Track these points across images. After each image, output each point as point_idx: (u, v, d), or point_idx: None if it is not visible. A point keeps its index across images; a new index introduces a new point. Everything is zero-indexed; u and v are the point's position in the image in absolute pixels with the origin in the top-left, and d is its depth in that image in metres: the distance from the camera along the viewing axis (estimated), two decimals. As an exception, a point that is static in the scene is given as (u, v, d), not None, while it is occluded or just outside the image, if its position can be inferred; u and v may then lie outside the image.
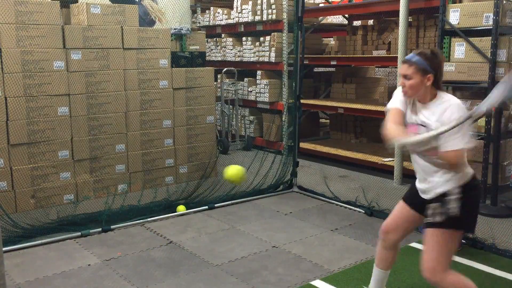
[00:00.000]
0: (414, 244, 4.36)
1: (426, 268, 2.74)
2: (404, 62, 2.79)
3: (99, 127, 5.66)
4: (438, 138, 2.57)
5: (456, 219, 2.69)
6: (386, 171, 6.61)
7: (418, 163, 2.86)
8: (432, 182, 2.79)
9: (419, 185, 2.92)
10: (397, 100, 2.88)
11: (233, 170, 3.50)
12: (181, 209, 5.21)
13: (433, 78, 2.71)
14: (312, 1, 9.50)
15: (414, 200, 2.99)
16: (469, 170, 2.79)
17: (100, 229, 4.67)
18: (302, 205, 5.53)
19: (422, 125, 2.75)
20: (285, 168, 6.08)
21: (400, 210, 3.07)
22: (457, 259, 4.07)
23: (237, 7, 8.61)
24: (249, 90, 8.59)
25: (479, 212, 5.11)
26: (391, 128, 2.73)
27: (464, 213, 2.70)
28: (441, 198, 2.73)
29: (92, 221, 4.79)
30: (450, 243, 2.74)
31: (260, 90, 8.36)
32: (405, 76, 2.75)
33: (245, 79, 8.68)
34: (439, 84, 2.78)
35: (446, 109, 2.68)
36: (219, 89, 8.51)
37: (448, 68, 5.65)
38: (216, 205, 5.39)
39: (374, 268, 3.25)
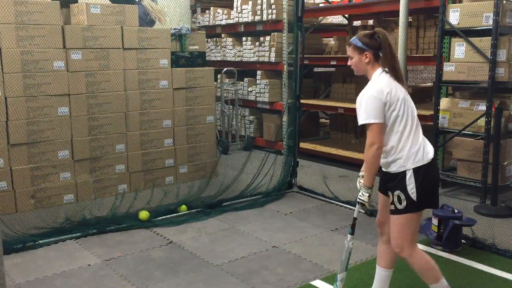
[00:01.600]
0: (414, 244, 4.36)
1: (394, 245, 2.98)
2: (347, 43, 3.08)
3: (99, 127, 5.66)
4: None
5: (416, 202, 2.86)
6: (386, 171, 6.60)
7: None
8: (386, 158, 2.97)
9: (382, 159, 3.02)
10: (378, 111, 2.90)
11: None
12: (183, 209, 5.21)
13: (372, 56, 2.93)
14: (312, 1, 9.50)
15: (385, 186, 3.12)
16: (418, 151, 2.88)
17: (100, 229, 4.66)
18: (302, 205, 5.53)
19: None
20: (285, 168, 6.07)
21: (381, 201, 3.20)
22: (457, 259, 4.08)
23: (237, 7, 8.61)
24: (249, 90, 8.59)
25: (481, 212, 5.15)
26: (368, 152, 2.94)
27: (422, 196, 2.86)
28: (398, 180, 2.89)
29: (94, 222, 4.79)
30: (414, 223, 2.94)
31: (260, 90, 8.36)
32: (349, 57, 3.05)
33: (245, 79, 8.68)
34: (384, 61, 2.94)
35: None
36: (219, 89, 8.51)
37: (448, 68, 5.65)
38: (216, 205, 5.38)
39: (377, 268, 3.26)
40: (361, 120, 2.89)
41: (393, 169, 2.93)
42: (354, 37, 3.02)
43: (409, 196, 2.86)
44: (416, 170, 2.86)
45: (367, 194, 3.00)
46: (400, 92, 2.89)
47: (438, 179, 3.04)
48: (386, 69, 2.95)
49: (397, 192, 2.91)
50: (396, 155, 2.90)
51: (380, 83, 2.89)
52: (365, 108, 2.86)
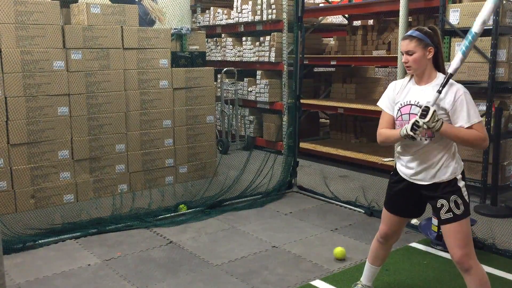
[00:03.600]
0: (414, 244, 4.37)
1: (461, 255, 2.78)
2: (404, 38, 2.86)
3: (99, 127, 5.66)
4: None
5: (467, 205, 2.83)
6: (386, 171, 6.59)
7: (417, 150, 2.87)
8: (435, 168, 2.83)
9: (417, 174, 2.90)
10: (386, 99, 2.99)
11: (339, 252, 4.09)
12: (182, 208, 5.20)
13: (434, 51, 2.80)
14: (312, 1, 9.50)
15: (396, 206, 3.05)
16: (460, 158, 2.90)
17: (100, 229, 4.66)
18: (302, 205, 5.53)
19: (415, 105, 2.82)
20: (285, 168, 6.07)
21: (388, 218, 3.12)
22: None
23: (237, 7, 8.61)
24: (249, 90, 8.59)
25: (481, 212, 5.16)
26: (385, 132, 2.94)
27: (468, 198, 2.85)
28: (449, 186, 2.81)
29: (94, 222, 4.79)
30: (469, 230, 2.84)
31: (260, 90, 8.36)
32: (408, 52, 2.81)
33: (245, 79, 8.68)
34: (439, 64, 2.88)
35: (456, 99, 2.73)
36: (219, 89, 8.51)
37: (448, 69, 5.64)
38: (216, 205, 5.39)
39: (368, 265, 3.31)
40: (473, 119, 2.72)
41: (445, 176, 2.84)
42: (414, 31, 2.84)
43: (465, 198, 2.82)
44: (463, 174, 2.88)
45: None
46: None
47: None
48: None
49: (453, 197, 2.81)
50: (451, 160, 2.84)
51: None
52: (472, 106, 2.74)
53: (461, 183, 2.84)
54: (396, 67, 6.43)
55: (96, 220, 4.80)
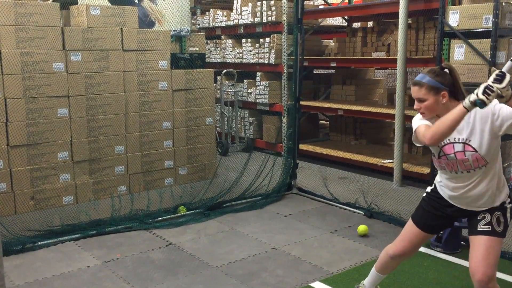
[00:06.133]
0: (414, 246, 4.36)
1: (484, 274, 2.58)
2: (414, 84, 2.69)
3: (98, 128, 5.66)
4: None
5: (507, 227, 2.71)
6: (385, 173, 6.61)
7: (469, 175, 2.70)
8: (486, 193, 2.70)
9: (461, 200, 2.77)
10: (424, 120, 2.72)
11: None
12: (182, 210, 5.20)
13: (448, 94, 2.63)
14: (312, 3, 9.51)
15: (430, 225, 2.93)
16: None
17: (99, 230, 4.66)
18: (301, 207, 5.53)
19: (457, 142, 2.67)
20: (285, 170, 6.07)
21: (414, 235, 2.95)
22: (457, 261, 4.08)
23: (236, 9, 8.61)
24: (248, 91, 8.59)
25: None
26: (435, 124, 2.57)
27: (509, 221, 2.73)
28: (499, 207, 2.71)
29: (93, 224, 4.79)
30: (499, 252, 2.69)
31: (260, 91, 8.36)
32: (419, 99, 2.67)
33: (245, 81, 8.68)
34: (458, 96, 2.68)
35: (488, 114, 2.57)
36: (218, 91, 8.51)
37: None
38: (215, 206, 5.38)
39: (374, 272, 3.21)
40: None
41: (501, 198, 2.74)
42: (424, 76, 2.66)
43: (507, 219, 2.71)
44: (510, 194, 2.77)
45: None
46: None
47: None
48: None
49: (497, 213, 2.70)
50: (500, 186, 2.75)
51: None
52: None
53: (509, 205, 2.75)
54: (396, 69, 6.44)
55: (95, 222, 4.79)
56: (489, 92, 2.34)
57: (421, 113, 2.71)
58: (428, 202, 2.95)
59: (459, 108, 2.44)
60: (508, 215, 2.74)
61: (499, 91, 2.33)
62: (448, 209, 2.85)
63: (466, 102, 2.40)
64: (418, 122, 2.73)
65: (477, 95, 2.36)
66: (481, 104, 2.35)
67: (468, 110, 2.41)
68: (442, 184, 2.85)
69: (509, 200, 2.77)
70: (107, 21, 5.68)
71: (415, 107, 2.72)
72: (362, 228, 4.65)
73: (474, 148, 2.62)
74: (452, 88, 2.66)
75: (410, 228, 2.97)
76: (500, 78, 2.34)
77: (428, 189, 3.01)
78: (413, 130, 2.74)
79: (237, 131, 8.61)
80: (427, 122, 2.69)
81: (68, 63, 5.41)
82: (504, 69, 2.39)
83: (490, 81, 2.36)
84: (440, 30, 5.64)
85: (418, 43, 6.75)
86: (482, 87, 2.37)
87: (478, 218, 2.72)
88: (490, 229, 2.66)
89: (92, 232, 4.64)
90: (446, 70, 2.69)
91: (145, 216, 5.02)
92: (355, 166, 7.14)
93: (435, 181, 2.96)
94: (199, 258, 4.17)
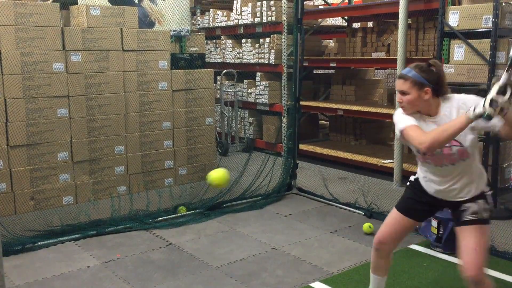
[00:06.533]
0: (414, 246, 4.36)
1: (477, 266, 2.61)
2: (399, 77, 2.73)
3: (98, 128, 5.66)
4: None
5: (491, 213, 2.75)
6: (385, 173, 6.61)
7: (453, 167, 2.74)
8: (470, 184, 2.74)
9: (447, 193, 2.81)
10: (410, 119, 2.72)
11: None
12: (182, 210, 5.20)
13: (431, 91, 2.66)
14: (312, 3, 9.51)
15: (412, 209, 2.97)
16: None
17: (99, 231, 4.66)
18: (301, 207, 5.53)
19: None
20: (285, 170, 6.07)
21: (396, 220, 2.98)
22: (457, 260, 4.06)
23: (236, 9, 8.62)
24: (248, 92, 8.59)
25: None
26: (433, 131, 2.57)
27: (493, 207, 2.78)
28: (480, 195, 2.75)
29: (93, 224, 4.79)
30: (487, 238, 2.74)
31: (260, 92, 8.36)
32: (402, 92, 2.70)
33: (245, 81, 8.68)
34: (441, 93, 2.72)
35: (459, 108, 2.65)
36: (218, 91, 8.51)
37: (447, 70, 5.65)
38: (215, 207, 5.38)
39: (371, 275, 3.20)
40: None
41: (480, 189, 2.79)
42: (410, 70, 2.70)
43: (490, 207, 2.75)
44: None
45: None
46: None
47: None
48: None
49: (480, 202, 2.74)
50: (478, 178, 2.80)
51: None
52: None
53: (488, 193, 2.78)
54: (396, 69, 6.44)
55: (95, 222, 4.79)
56: (496, 105, 2.35)
57: (402, 107, 2.74)
58: (411, 190, 3.02)
59: (462, 120, 2.45)
60: (490, 201, 2.79)
61: (503, 104, 2.35)
62: (430, 198, 2.90)
63: (471, 114, 2.40)
64: (405, 120, 2.73)
65: (484, 107, 2.36)
66: (489, 116, 2.36)
67: (472, 121, 2.43)
68: (427, 179, 2.88)
69: (488, 188, 2.82)
70: (107, 21, 5.68)
71: (397, 99, 2.76)
72: (367, 226, 4.69)
73: (460, 143, 2.68)
74: (436, 85, 2.68)
75: (391, 214, 3.03)
76: (503, 90, 2.35)
77: (412, 178, 3.05)
78: (398, 127, 2.74)
79: (237, 131, 8.61)
80: (414, 121, 2.68)
81: (68, 63, 5.41)
82: (502, 81, 2.38)
83: (494, 93, 2.36)
84: (440, 30, 5.64)
85: (418, 43, 6.75)
86: (488, 99, 2.36)
87: (462, 209, 2.76)
88: (476, 218, 2.71)
89: (92, 232, 4.64)
90: (433, 67, 2.72)
91: (145, 216, 5.02)
92: (355, 166, 7.14)
93: (417, 176, 2.98)
94: (199, 258, 4.17)
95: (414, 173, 3.04)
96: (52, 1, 5.44)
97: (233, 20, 8.72)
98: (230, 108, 8.62)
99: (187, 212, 5.21)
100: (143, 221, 4.91)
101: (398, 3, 6.04)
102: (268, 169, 5.91)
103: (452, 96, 2.76)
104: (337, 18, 9.72)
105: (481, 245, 2.66)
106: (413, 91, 2.66)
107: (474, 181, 2.76)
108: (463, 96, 2.74)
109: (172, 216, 5.11)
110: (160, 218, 5.03)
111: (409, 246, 4.35)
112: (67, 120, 5.45)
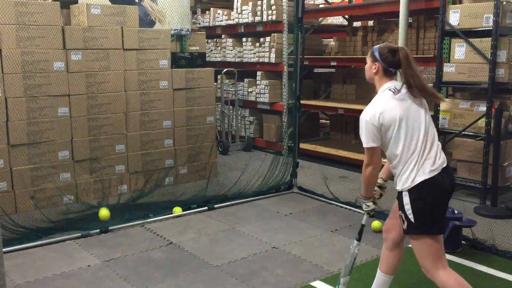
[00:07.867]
0: (414, 245, 4.36)
1: (420, 265, 2.89)
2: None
3: (99, 127, 5.66)
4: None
5: (415, 224, 2.75)
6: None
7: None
8: (395, 176, 2.93)
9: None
10: (368, 133, 2.84)
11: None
12: (177, 210, 5.19)
13: (381, 69, 2.88)
14: (312, 2, 9.50)
15: None
16: (412, 173, 2.76)
17: (99, 229, 4.67)
18: (302, 206, 5.53)
19: None
20: (285, 169, 6.07)
21: (395, 209, 3.07)
22: (457, 260, 4.08)
23: (237, 8, 8.61)
24: (249, 90, 8.60)
25: (481, 213, 5.14)
26: (369, 178, 2.97)
27: (420, 218, 2.73)
28: (400, 199, 2.84)
29: (92, 221, 4.79)
30: (425, 246, 2.77)
31: (260, 90, 8.37)
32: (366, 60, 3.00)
33: (245, 80, 8.68)
34: (390, 77, 2.90)
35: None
36: (219, 90, 8.51)
37: (448, 69, 5.66)
38: (216, 206, 5.39)
39: (378, 272, 3.21)
40: (363, 143, 2.87)
41: (397, 187, 2.86)
42: (380, 45, 3.00)
43: (407, 216, 2.77)
44: (412, 191, 2.75)
45: (370, 203, 3.06)
46: (397, 111, 2.76)
47: (438, 202, 2.76)
48: (395, 87, 2.85)
49: (400, 212, 2.84)
50: (397, 175, 2.85)
51: (377, 103, 2.83)
52: (363, 131, 2.84)
53: (406, 199, 2.78)
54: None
55: (95, 221, 4.79)
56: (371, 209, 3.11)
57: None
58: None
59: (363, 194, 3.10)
60: (409, 212, 2.81)
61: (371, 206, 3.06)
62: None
63: (364, 206, 3.14)
64: (367, 129, 2.83)
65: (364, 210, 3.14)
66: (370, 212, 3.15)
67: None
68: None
69: (406, 193, 2.84)
70: (107, 20, 5.68)
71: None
72: (376, 224, 4.69)
73: None
74: (393, 67, 2.88)
75: (395, 202, 3.05)
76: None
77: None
78: (361, 128, 2.85)
79: (238, 130, 8.62)
80: (375, 139, 2.81)
81: (68, 62, 5.41)
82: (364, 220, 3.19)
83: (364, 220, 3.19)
84: (440, 29, 5.64)
85: (418, 42, 6.75)
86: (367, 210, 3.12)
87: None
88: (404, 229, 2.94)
89: (92, 231, 4.64)
90: (398, 53, 2.83)
91: (146, 215, 5.02)
92: (356, 165, 7.12)
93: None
94: (200, 257, 4.18)
95: None
96: (53, 0, 5.44)
97: (233, 19, 8.72)
98: (231, 107, 8.63)
99: (188, 211, 5.21)
100: (143, 220, 4.91)
101: (398, 2, 6.02)
102: (269, 168, 5.91)
103: (385, 92, 2.86)
104: (337, 17, 9.71)
105: (416, 252, 2.87)
106: (368, 61, 2.98)
107: (394, 173, 2.96)
108: (374, 102, 2.87)
109: (172, 215, 5.11)
110: (161, 217, 5.04)
111: (409, 245, 4.34)
112: (67, 119, 5.45)
